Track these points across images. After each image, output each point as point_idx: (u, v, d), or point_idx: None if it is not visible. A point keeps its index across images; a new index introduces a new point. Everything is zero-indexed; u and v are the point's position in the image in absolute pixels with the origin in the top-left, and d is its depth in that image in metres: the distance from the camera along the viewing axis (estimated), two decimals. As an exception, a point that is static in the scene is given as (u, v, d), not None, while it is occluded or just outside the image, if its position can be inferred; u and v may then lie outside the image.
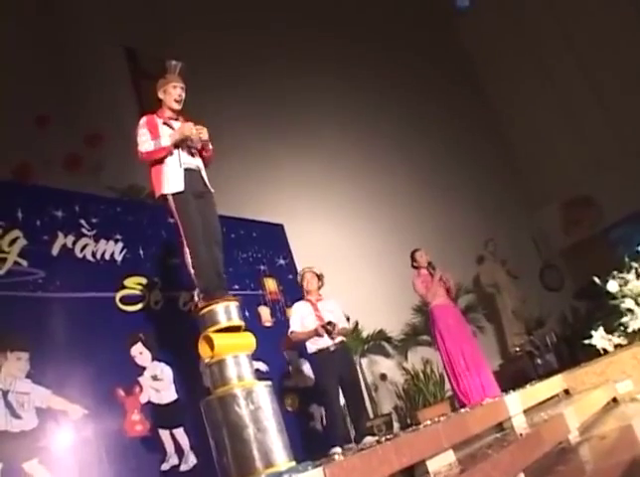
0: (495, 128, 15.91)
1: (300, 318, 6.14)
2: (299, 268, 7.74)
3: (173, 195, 4.60)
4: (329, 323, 5.91)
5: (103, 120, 7.68)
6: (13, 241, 4.96)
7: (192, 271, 4.56)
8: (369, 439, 5.60)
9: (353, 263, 10.03)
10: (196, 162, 4.81)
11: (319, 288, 6.39)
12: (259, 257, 7.58)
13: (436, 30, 15.90)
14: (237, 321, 4.44)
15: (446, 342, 7.19)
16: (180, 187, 4.60)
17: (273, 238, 7.97)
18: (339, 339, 6.04)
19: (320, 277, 6.41)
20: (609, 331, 8.02)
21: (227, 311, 4.40)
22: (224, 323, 4.36)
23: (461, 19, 16.20)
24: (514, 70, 15.43)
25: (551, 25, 15.03)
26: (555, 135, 14.85)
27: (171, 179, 4.63)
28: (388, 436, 5.85)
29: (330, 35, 12.26)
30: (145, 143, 4.66)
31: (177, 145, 4.68)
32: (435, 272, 7.37)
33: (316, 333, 5.93)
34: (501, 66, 15.72)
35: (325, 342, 5.96)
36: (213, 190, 4.91)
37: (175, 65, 4.86)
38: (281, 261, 7.89)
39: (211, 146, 4.96)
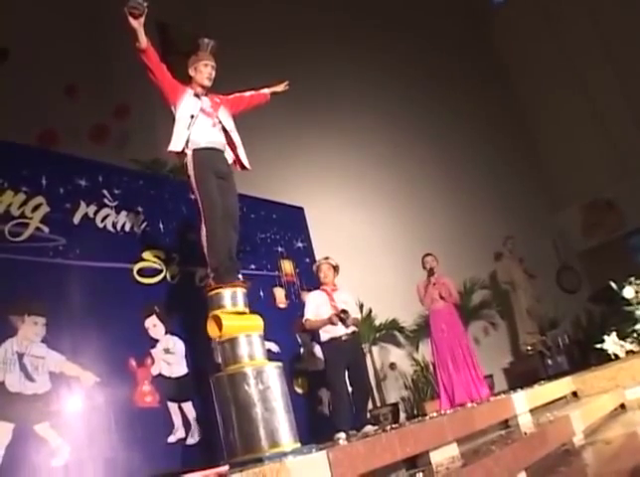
0: (522, 127, 15.79)
1: (315, 307, 6.16)
2: (316, 252, 7.79)
3: (195, 169, 4.58)
4: (343, 312, 5.93)
5: (131, 93, 7.71)
6: (36, 208, 5.01)
7: (206, 250, 4.59)
8: (369, 428, 5.65)
9: (370, 251, 10.04)
10: (221, 140, 4.82)
11: (334, 279, 6.42)
12: (278, 239, 7.59)
13: (470, 26, 15.77)
14: (241, 307, 4.49)
15: (438, 348, 7.28)
16: (178, 147, 4.59)
17: (293, 221, 7.98)
18: (351, 329, 6.06)
19: (336, 269, 6.41)
20: (622, 337, 8.01)
21: (233, 296, 4.46)
22: (229, 308, 4.41)
23: (494, 16, 16.07)
24: (543, 69, 15.25)
25: (583, 26, 14.82)
26: (581, 137, 14.70)
27: (177, 137, 4.62)
28: (393, 425, 5.91)
29: (363, 21, 12.20)
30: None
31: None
32: (431, 279, 7.34)
33: (330, 321, 5.95)
34: (531, 64, 15.55)
35: (338, 331, 5.97)
36: (250, 167, 4.94)
37: (207, 43, 4.88)
38: (299, 244, 7.91)
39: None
